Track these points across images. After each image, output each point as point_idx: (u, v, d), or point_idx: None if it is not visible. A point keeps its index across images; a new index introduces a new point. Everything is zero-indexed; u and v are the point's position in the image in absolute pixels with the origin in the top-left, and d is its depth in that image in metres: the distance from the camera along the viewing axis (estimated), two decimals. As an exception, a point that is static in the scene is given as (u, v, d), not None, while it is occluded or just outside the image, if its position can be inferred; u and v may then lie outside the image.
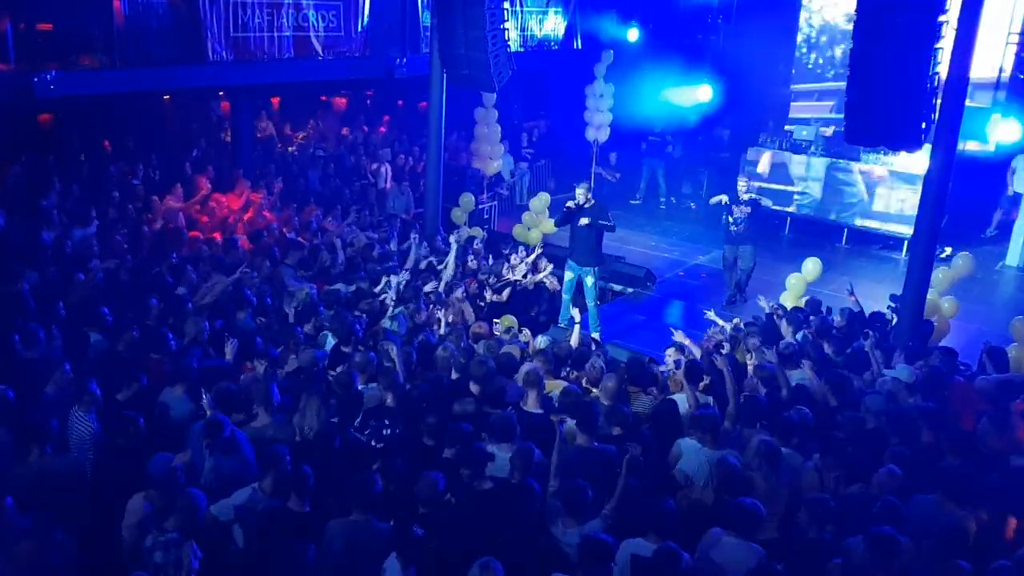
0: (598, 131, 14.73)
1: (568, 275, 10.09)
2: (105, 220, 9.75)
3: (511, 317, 9.42)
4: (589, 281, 10.02)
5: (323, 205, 12.46)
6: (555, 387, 6.70)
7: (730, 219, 11.15)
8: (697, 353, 7.56)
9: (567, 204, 9.79)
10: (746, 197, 11.08)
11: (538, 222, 12.53)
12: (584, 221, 9.59)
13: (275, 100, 15.55)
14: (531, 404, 6.22)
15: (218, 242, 9.90)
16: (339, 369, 6.55)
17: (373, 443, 5.69)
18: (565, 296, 10.13)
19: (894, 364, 7.41)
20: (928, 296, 8.85)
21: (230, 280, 8.23)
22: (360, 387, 6.25)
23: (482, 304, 9.79)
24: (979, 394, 6.70)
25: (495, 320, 8.93)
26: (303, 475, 4.90)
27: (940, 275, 9.73)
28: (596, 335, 9.92)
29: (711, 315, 8.78)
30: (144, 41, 10.29)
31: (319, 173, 14.01)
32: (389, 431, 5.75)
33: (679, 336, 7.90)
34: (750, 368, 7.20)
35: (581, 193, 9.73)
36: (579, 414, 5.75)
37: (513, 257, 10.94)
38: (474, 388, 6.45)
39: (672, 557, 4.32)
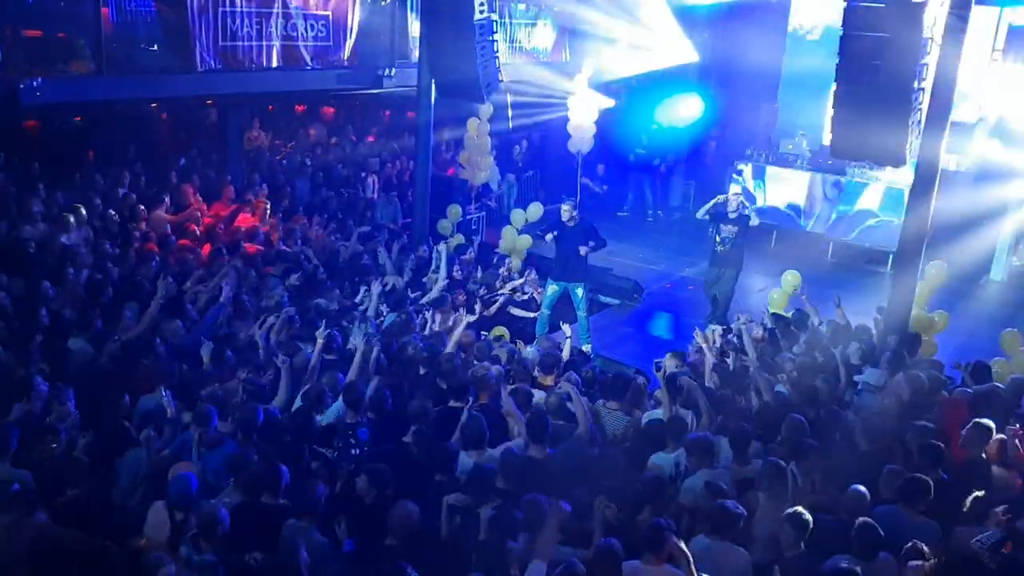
0: (581, 142, 14.77)
1: (553, 288, 10.09)
2: (91, 228, 9.69)
3: (503, 328, 9.45)
4: (580, 292, 10.06)
5: (311, 214, 12.43)
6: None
7: (717, 237, 10.67)
8: (710, 357, 7.61)
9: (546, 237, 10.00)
10: (734, 215, 10.55)
11: (516, 240, 12.52)
12: (583, 251, 9.75)
13: (264, 109, 15.49)
14: (478, 403, 6.44)
15: (203, 253, 9.88)
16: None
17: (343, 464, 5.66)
18: (545, 311, 10.13)
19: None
20: (916, 313, 9.01)
21: (216, 280, 8.23)
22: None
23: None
24: (960, 406, 6.74)
25: (483, 332, 8.94)
26: (277, 473, 4.94)
27: (917, 289, 9.73)
28: (587, 347, 9.96)
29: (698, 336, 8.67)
30: (132, 49, 10.26)
31: (308, 182, 13.98)
32: (357, 450, 5.73)
33: (699, 337, 7.96)
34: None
35: (566, 210, 9.76)
36: (529, 423, 5.82)
37: (502, 269, 10.96)
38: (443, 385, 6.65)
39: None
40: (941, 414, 6.64)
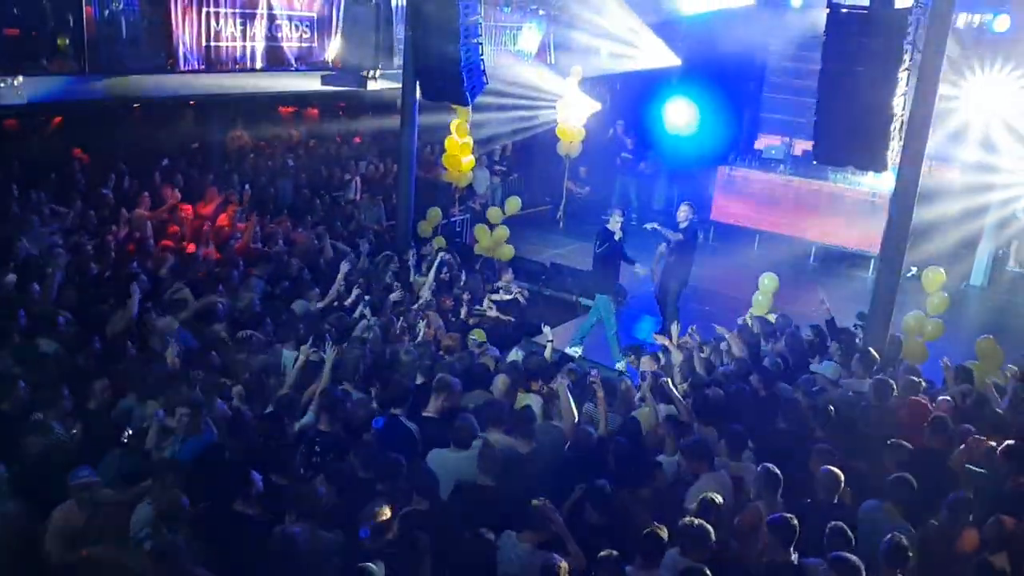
0: (570, 147, 14.79)
1: (612, 304, 10.22)
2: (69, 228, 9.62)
3: (479, 331, 9.43)
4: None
5: (294, 216, 12.35)
6: (525, 399, 6.69)
7: (661, 247, 10.76)
8: (676, 356, 7.64)
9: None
10: (683, 225, 10.61)
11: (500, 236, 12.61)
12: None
13: (246, 110, 15.41)
14: (432, 409, 6.25)
15: (184, 254, 9.81)
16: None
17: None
18: (613, 336, 10.22)
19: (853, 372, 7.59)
20: (916, 321, 9.38)
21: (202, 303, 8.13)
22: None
23: (454, 319, 9.75)
24: (926, 408, 6.78)
25: (471, 334, 8.93)
26: (250, 481, 4.92)
27: (936, 299, 9.81)
28: (578, 349, 10.12)
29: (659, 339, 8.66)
30: (115, 49, 10.17)
31: (290, 183, 13.91)
32: (318, 458, 5.67)
33: (661, 339, 8.00)
34: None
35: (618, 222, 9.96)
36: (516, 418, 5.92)
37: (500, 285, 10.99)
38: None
39: None
40: (906, 414, 6.68)
